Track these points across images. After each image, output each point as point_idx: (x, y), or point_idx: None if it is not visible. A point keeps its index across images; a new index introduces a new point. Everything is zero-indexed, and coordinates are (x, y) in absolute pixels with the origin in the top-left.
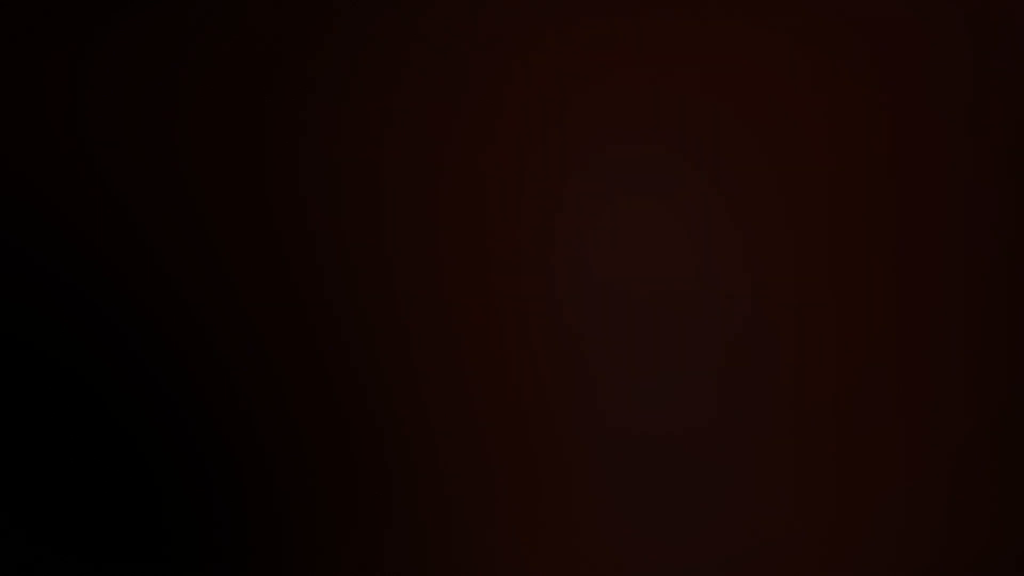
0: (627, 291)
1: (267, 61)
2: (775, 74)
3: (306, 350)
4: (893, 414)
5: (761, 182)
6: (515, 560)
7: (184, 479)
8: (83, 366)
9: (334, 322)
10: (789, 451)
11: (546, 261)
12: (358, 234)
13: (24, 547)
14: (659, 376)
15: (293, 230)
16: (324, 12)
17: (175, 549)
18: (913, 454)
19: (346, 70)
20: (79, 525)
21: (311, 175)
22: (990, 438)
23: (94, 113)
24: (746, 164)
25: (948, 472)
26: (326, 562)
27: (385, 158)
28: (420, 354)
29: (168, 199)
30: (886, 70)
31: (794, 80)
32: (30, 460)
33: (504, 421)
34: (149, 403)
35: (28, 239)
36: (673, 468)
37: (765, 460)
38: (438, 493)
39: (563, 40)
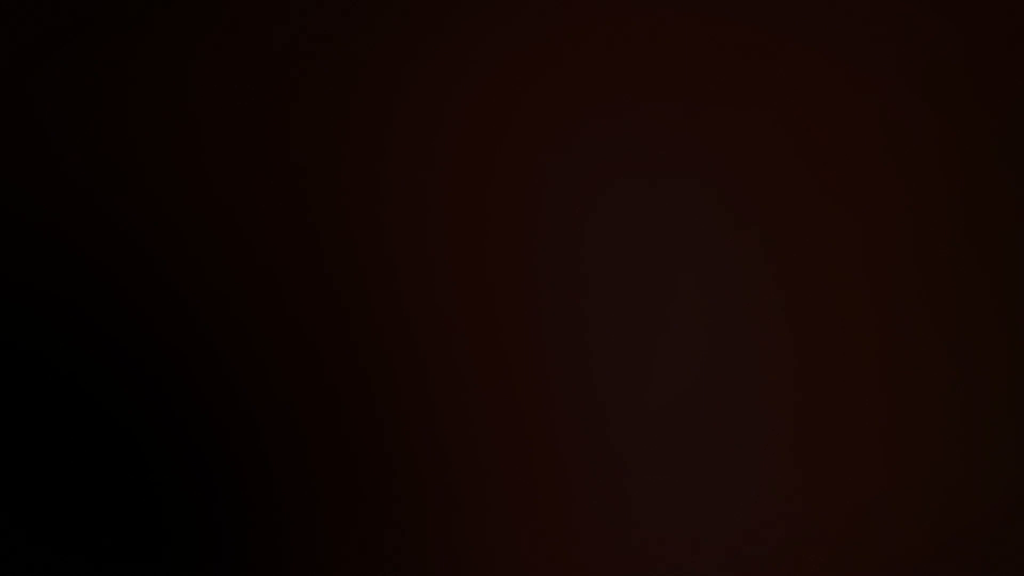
0: (628, 290)
1: (268, 61)
2: (771, 73)
3: (306, 350)
4: (894, 413)
5: (759, 180)
6: (516, 560)
7: (184, 479)
8: (83, 366)
9: (334, 321)
10: (790, 452)
11: (549, 261)
12: (359, 233)
13: (24, 547)
14: (660, 375)
15: (293, 229)
16: (324, 10)
17: (175, 549)
18: (914, 454)
19: (347, 69)
20: (79, 525)
21: (312, 174)
22: (990, 438)
23: (94, 113)
24: (744, 163)
25: (948, 472)
26: (326, 562)
27: (387, 157)
28: (421, 354)
29: (169, 199)
30: (885, 70)
31: (792, 79)
32: (30, 460)
33: (505, 421)
34: (149, 403)
35: (28, 240)
36: (675, 469)
37: (765, 460)
38: (439, 493)
39: (573, 43)
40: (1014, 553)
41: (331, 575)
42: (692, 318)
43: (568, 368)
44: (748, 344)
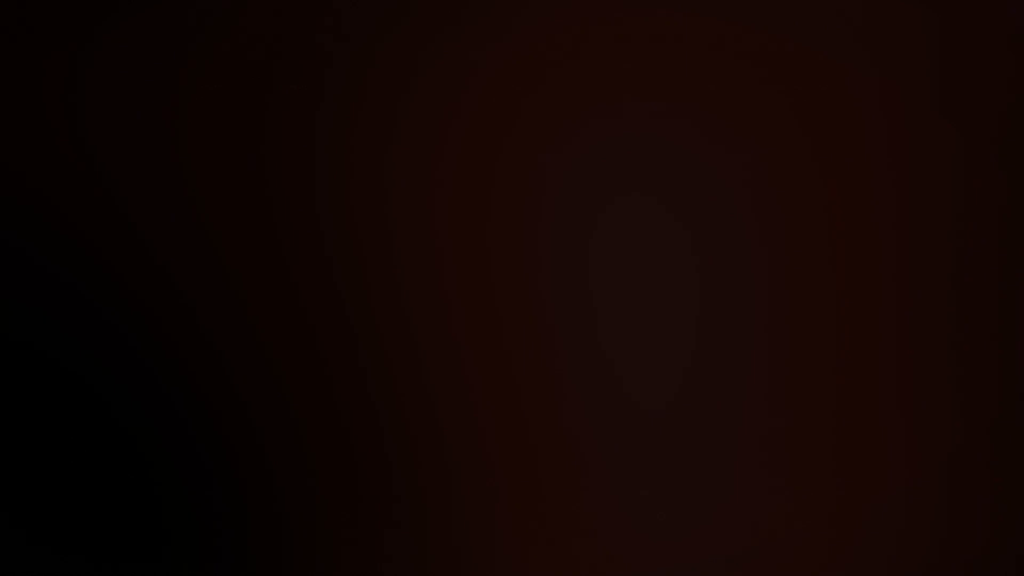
0: (629, 290)
1: (266, 61)
2: (773, 73)
3: (307, 350)
4: (892, 414)
5: (757, 180)
6: (516, 560)
7: (184, 479)
8: (83, 366)
9: (335, 322)
10: (789, 452)
11: (549, 260)
12: (360, 233)
13: (24, 547)
14: (660, 375)
15: (294, 229)
16: (323, 12)
17: (175, 549)
18: (911, 454)
19: (346, 70)
20: (79, 525)
21: (311, 174)
22: (988, 438)
23: (94, 113)
24: (741, 163)
25: (946, 472)
26: (326, 562)
27: (388, 156)
28: (422, 354)
29: (169, 199)
30: (885, 71)
31: (790, 78)
32: (30, 460)
33: (506, 421)
34: (149, 403)
35: (28, 239)
36: (674, 468)
37: (765, 460)
38: (440, 493)
39: (573, 44)
40: (1012, 555)
41: (331, 575)
42: (693, 319)
43: (569, 369)
44: (748, 345)
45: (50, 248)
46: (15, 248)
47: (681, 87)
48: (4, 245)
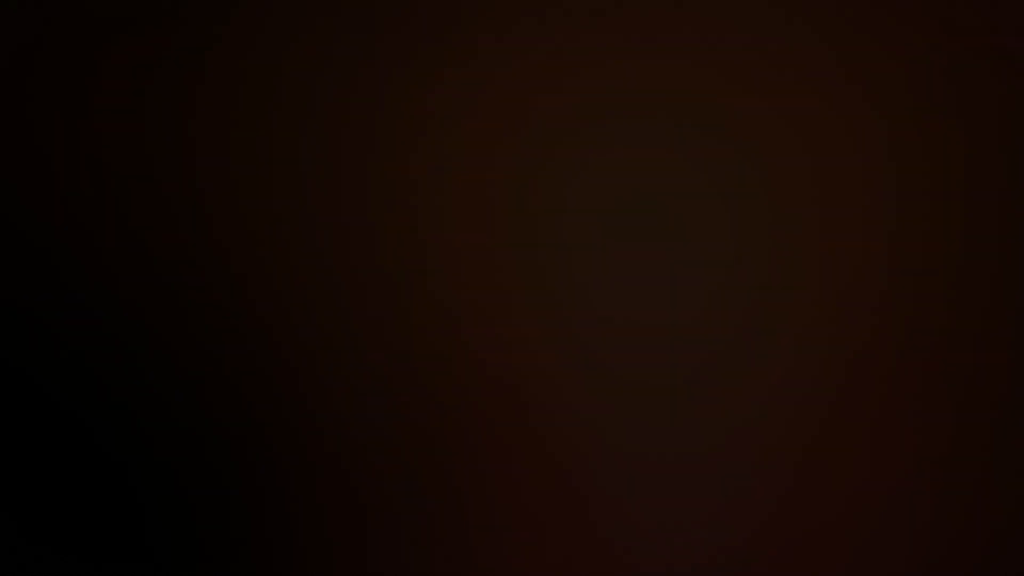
0: (629, 291)
1: (265, 61)
2: (776, 74)
3: (307, 350)
4: (892, 414)
5: (758, 181)
6: (516, 560)
7: (183, 479)
8: (83, 366)
9: (335, 321)
10: (789, 452)
11: (549, 262)
12: (360, 232)
13: (24, 547)
14: (661, 374)
15: (294, 229)
16: (321, 14)
17: (174, 549)
18: (911, 454)
19: (344, 70)
20: (78, 525)
21: (311, 175)
22: (988, 438)
23: (94, 113)
24: (741, 162)
25: (947, 472)
26: (326, 562)
27: (387, 156)
28: (421, 353)
29: (169, 199)
30: (886, 72)
31: (793, 79)
32: (29, 460)
33: (505, 420)
34: (149, 404)
35: (28, 239)
36: (674, 468)
37: (765, 460)
38: (440, 493)
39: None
40: (1012, 555)
41: (331, 575)
42: (694, 318)
43: (569, 367)
44: (749, 345)
45: (50, 248)
46: (15, 247)
47: (683, 88)
48: (4, 245)
